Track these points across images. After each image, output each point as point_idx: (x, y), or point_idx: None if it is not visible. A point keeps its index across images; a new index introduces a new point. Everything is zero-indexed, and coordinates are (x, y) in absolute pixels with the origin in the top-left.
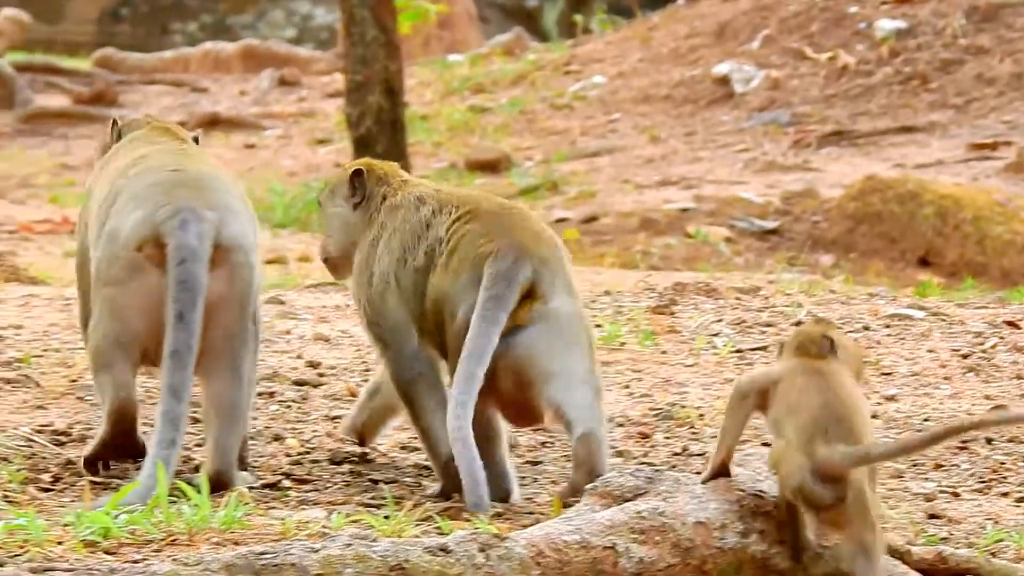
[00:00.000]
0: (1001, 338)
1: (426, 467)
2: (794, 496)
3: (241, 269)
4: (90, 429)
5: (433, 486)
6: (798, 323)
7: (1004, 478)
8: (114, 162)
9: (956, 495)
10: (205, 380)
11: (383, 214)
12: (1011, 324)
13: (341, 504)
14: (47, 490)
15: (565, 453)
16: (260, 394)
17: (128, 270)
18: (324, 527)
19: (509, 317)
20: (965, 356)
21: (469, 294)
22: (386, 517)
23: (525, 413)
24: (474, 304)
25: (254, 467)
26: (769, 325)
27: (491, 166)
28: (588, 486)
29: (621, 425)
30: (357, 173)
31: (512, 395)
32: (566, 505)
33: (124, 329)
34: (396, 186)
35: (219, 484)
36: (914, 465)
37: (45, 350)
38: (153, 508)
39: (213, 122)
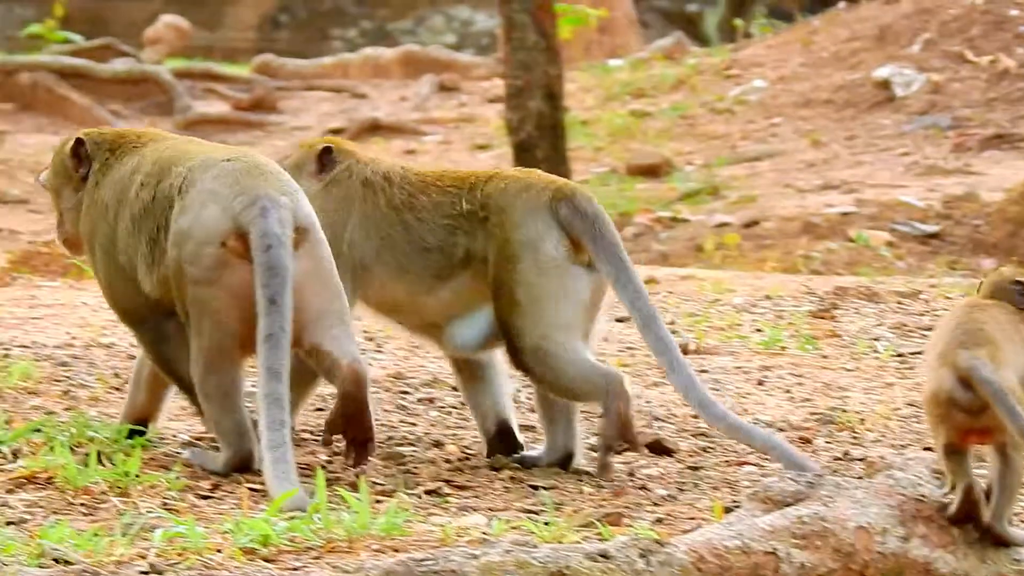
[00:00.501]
0: None
1: (586, 473)
2: (942, 409)
3: (321, 246)
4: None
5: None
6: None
7: None
8: (118, 170)
9: None
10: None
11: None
12: None
13: (501, 510)
14: (206, 497)
15: (726, 459)
16: (420, 400)
17: (215, 267)
18: (484, 533)
19: None
20: None
21: None
22: (546, 523)
23: None
24: None
25: (414, 473)
26: (930, 329)
27: (652, 171)
28: (750, 492)
29: (782, 430)
30: (326, 150)
31: None
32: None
33: (224, 326)
34: (365, 161)
35: None
36: None
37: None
38: (313, 514)
39: (373, 128)
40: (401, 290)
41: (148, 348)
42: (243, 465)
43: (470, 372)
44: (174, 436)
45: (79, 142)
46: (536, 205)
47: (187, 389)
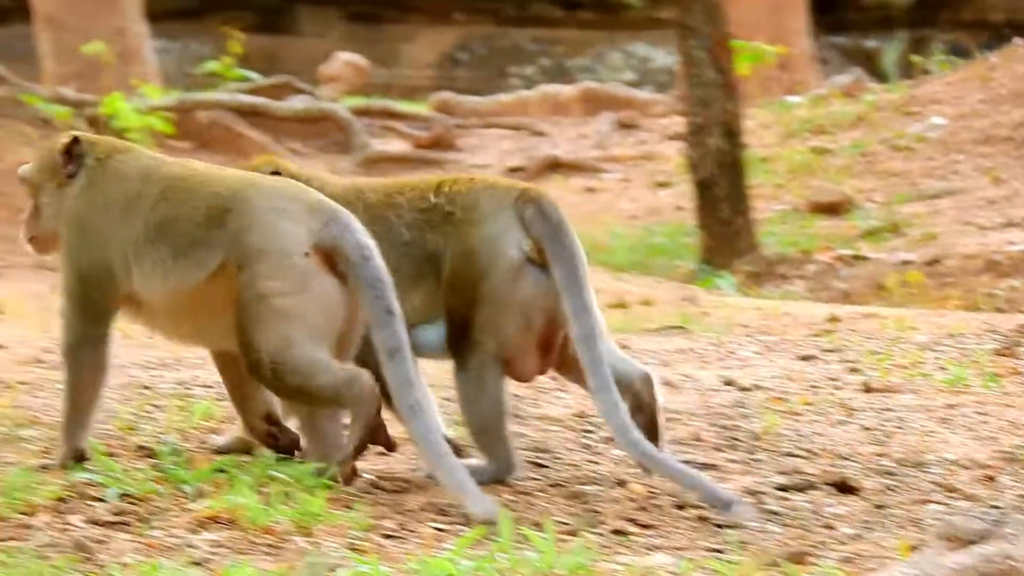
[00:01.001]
0: None
1: (774, 512)
2: None
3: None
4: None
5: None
6: None
7: None
8: (119, 175)
9: None
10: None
11: None
12: None
13: (686, 549)
14: (390, 536)
15: (912, 496)
16: (603, 438)
17: (304, 277)
18: (670, 573)
19: None
20: None
21: None
22: (732, 562)
23: None
24: None
25: (598, 512)
26: None
27: (833, 208)
28: (935, 530)
29: (967, 468)
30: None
31: None
32: None
33: (317, 330)
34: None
35: None
36: None
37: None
38: (496, 553)
39: (553, 165)
40: None
41: (82, 343)
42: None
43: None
44: (359, 476)
45: (75, 141)
46: (501, 203)
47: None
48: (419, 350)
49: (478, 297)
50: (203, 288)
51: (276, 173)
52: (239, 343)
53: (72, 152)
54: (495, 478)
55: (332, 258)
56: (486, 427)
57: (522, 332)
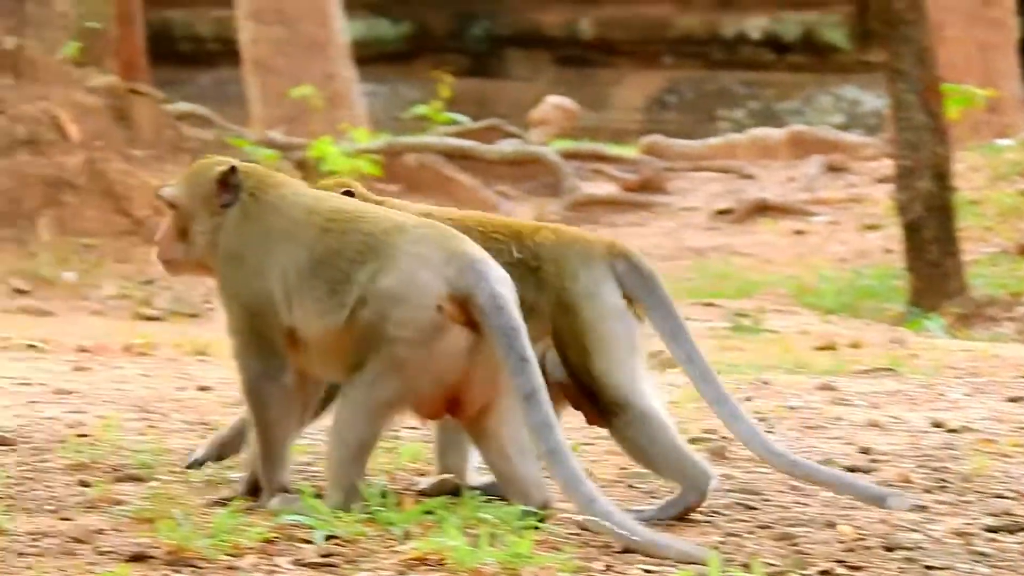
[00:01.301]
0: None
1: (984, 553)
2: None
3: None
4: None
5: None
6: None
7: None
8: (280, 207)
9: None
10: (498, 427)
11: None
12: None
13: None
14: None
15: None
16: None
17: (430, 330)
18: None
19: None
20: None
21: None
22: None
23: None
24: None
25: (806, 553)
26: None
27: None
28: None
29: None
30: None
31: None
32: None
33: (414, 386)
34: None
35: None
36: None
37: (596, 438)
38: None
39: (761, 208)
40: None
41: (261, 378)
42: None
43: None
44: (567, 515)
45: (232, 170)
46: (592, 256)
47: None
48: None
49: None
50: (347, 327)
51: (348, 193)
52: (343, 366)
53: (229, 182)
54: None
55: (466, 306)
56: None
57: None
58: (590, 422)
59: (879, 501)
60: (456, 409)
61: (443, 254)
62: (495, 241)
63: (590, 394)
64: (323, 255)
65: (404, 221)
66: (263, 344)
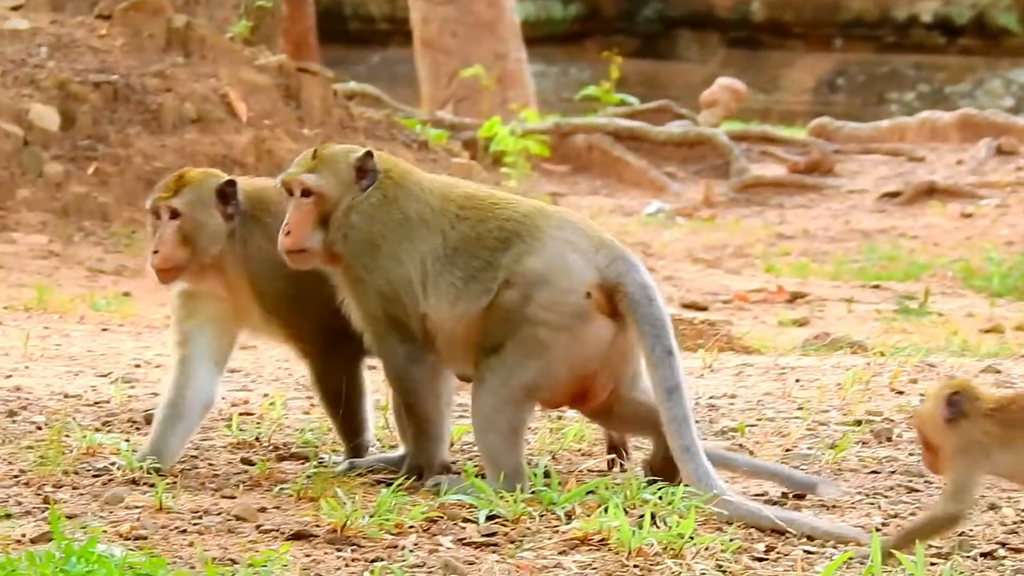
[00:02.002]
0: None
1: None
2: None
3: None
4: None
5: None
6: None
7: None
8: (414, 193)
9: None
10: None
11: None
12: None
13: None
14: (760, 559)
15: None
16: None
17: (576, 316)
18: None
19: None
20: None
21: None
22: None
23: None
24: None
25: (969, 536)
26: None
27: None
28: None
29: None
30: None
31: None
32: None
33: (555, 371)
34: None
35: None
36: None
37: (759, 419)
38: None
39: (929, 191)
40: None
41: (409, 361)
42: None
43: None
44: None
45: (369, 155)
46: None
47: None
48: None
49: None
50: (484, 314)
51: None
52: (470, 353)
53: (366, 167)
54: None
55: (613, 296)
56: None
57: None
58: None
59: (810, 488)
60: (580, 400)
61: (591, 243)
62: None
63: None
64: (458, 242)
65: (546, 208)
66: (404, 328)
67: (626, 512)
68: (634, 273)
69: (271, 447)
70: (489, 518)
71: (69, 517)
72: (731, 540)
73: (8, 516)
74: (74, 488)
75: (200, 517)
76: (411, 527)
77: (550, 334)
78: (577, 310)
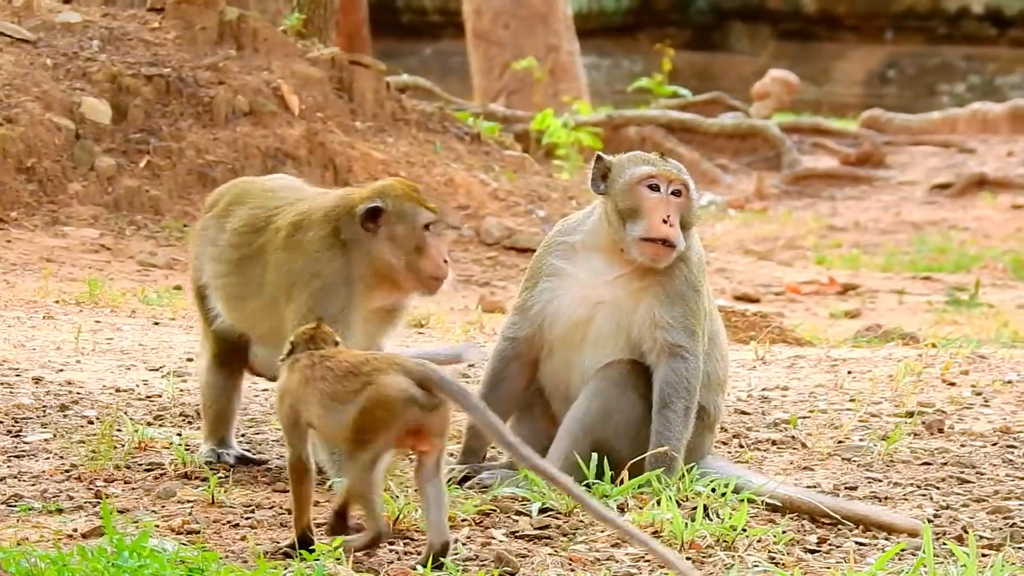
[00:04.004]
0: None
1: None
2: None
3: None
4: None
5: None
6: None
7: None
8: None
9: None
10: None
11: None
12: None
13: None
14: (812, 551)
15: None
16: None
17: None
18: None
19: None
20: None
21: None
22: None
23: None
24: None
25: (1021, 527)
26: None
27: None
28: None
29: None
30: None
31: None
32: None
33: None
34: None
35: None
36: None
37: (811, 411)
38: (919, 568)
39: (980, 183)
40: None
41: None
42: None
43: None
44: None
45: (599, 158)
46: None
47: None
48: None
49: None
50: None
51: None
52: None
53: (598, 171)
54: None
55: None
56: None
57: None
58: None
59: (456, 358)
60: None
61: None
62: None
63: None
64: None
65: None
66: None
67: (679, 504)
68: None
69: None
70: (542, 511)
71: (121, 512)
72: (783, 532)
73: (60, 511)
74: (126, 482)
75: (252, 511)
76: (464, 520)
77: None
78: None
